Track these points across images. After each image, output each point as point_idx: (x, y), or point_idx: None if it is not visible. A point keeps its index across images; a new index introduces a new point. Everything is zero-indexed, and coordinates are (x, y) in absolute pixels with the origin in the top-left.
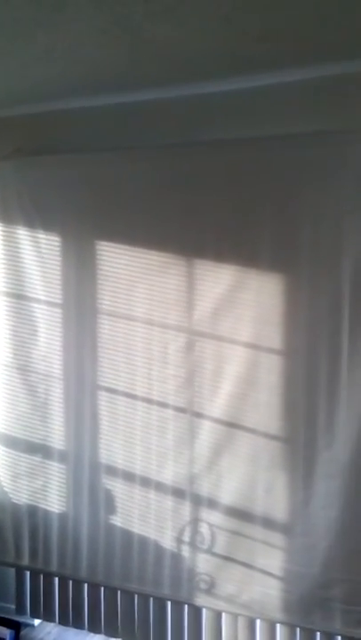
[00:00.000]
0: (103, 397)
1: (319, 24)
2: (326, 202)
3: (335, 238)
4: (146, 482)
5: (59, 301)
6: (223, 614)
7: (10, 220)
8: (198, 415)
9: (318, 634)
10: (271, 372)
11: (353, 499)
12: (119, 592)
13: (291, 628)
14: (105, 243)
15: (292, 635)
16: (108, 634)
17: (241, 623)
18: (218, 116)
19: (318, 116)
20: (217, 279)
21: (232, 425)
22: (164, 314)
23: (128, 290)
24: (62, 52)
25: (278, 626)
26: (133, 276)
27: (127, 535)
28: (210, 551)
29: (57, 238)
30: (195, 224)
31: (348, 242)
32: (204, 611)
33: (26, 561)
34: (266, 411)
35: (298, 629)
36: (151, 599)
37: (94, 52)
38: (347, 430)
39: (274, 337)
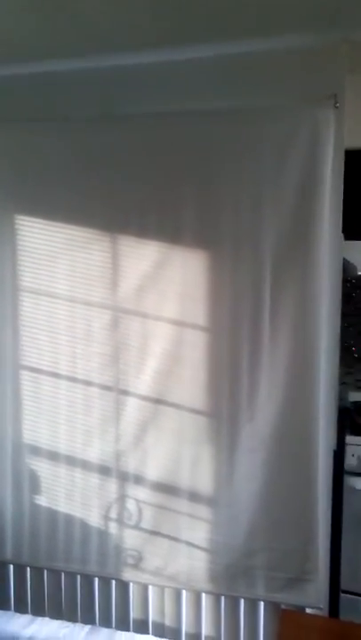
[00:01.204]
0: (26, 377)
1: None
2: (246, 179)
3: (256, 215)
4: (71, 461)
5: None
6: (150, 587)
7: None
8: (124, 392)
9: (242, 601)
10: (196, 347)
11: (274, 471)
12: (45, 571)
13: (216, 596)
14: (25, 217)
15: (217, 603)
16: (35, 613)
17: (168, 595)
18: (139, 90)
19: (239, 93)
20: (141, 256)
21: (158, 401)
22: (87, 291)
23: (50, 266)
24: None
25: (203, 595)
26: (55, 252)
27: (53, 515)
28: (137, 526)
29: None
30: (117, 199)
31: (268, 219)
32: (131, 585)
33: None
34: (191, 386)
35: (223, 598)
36: (78, 577)
37: (8, 18)
38: (268, 404)
39: (198, 313)
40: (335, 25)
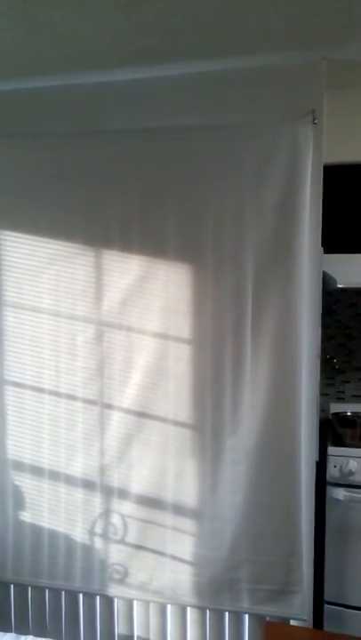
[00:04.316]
0: (9, 392)
1: (214, 18)
2: (227, 193)
3: (237, 228)
4: (55, 476)
5: None
6: (135, 602)
7: None
8: (108, 406)
9: (227, 614)
10: (180, 361)
11: (257, 482)
12: (30, 588)
13: (201, 610)
14: (8, 232)
15: (202, 617)
16: (18, 631)
17: (153, 609)
18: (121, 106)
19: (220, 110)
20: (125, 270)
21: (142, 414)
22: (71, 305)
23: (34, 281)
24: None
25: (189, 609)
26: (39, 266)
27: (37, 530)
28: (121, 541)
29: None
30: (100, 214)
31: (249, 233)
32: (116, 600)
33: None
34: (175, 399)
35: (208, 611)
36: (63, 593)
37: None
38: (251, 417)
39: (182, 326)
40: (314, 43)
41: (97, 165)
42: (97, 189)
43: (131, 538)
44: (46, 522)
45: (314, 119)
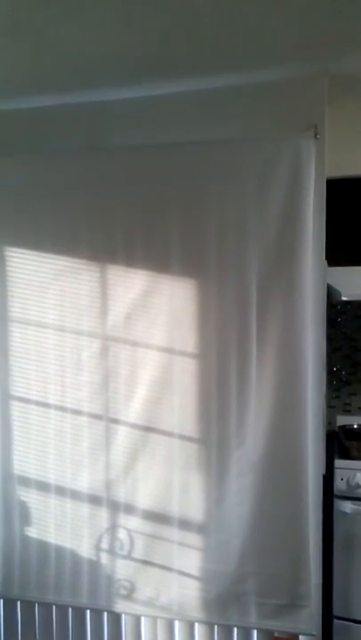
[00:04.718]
0: (15, 407)
1: (215, 34)
2: (230, 208)
3: (240, 243)
4: (61, 491)
5: None
6: (142, 618)
7: None
8: (114, 421)
9: (235, 629)
10: (184, 374)
11: (263, 495)
12: (36, 604)
13: (209, 626)
14: (13, 249)
15: (211, 632)
16: None
17: (160, 625)
18: (124, 123)
19: (222, 125)
20: (130, 284)
21: (147, 429)
22: (76, 320)
23: (39, 296)
24: None
25: (196, 625)
26: (44, 282)
27: (43, 546)
28: (128, 556)
29: None
30: (104, 229)
31: (252, 247)
32: (123, 616)
33: None
34: (180, 413)
35: (216, 627)
36: (70, 609)
37: None
38: (256, 429)
39: (187, 340)
40: (315, 57)
41: (100, 181)
42: (100, 204)
43: (137, 553)
44: (52, 537)
45: (316, 134)
